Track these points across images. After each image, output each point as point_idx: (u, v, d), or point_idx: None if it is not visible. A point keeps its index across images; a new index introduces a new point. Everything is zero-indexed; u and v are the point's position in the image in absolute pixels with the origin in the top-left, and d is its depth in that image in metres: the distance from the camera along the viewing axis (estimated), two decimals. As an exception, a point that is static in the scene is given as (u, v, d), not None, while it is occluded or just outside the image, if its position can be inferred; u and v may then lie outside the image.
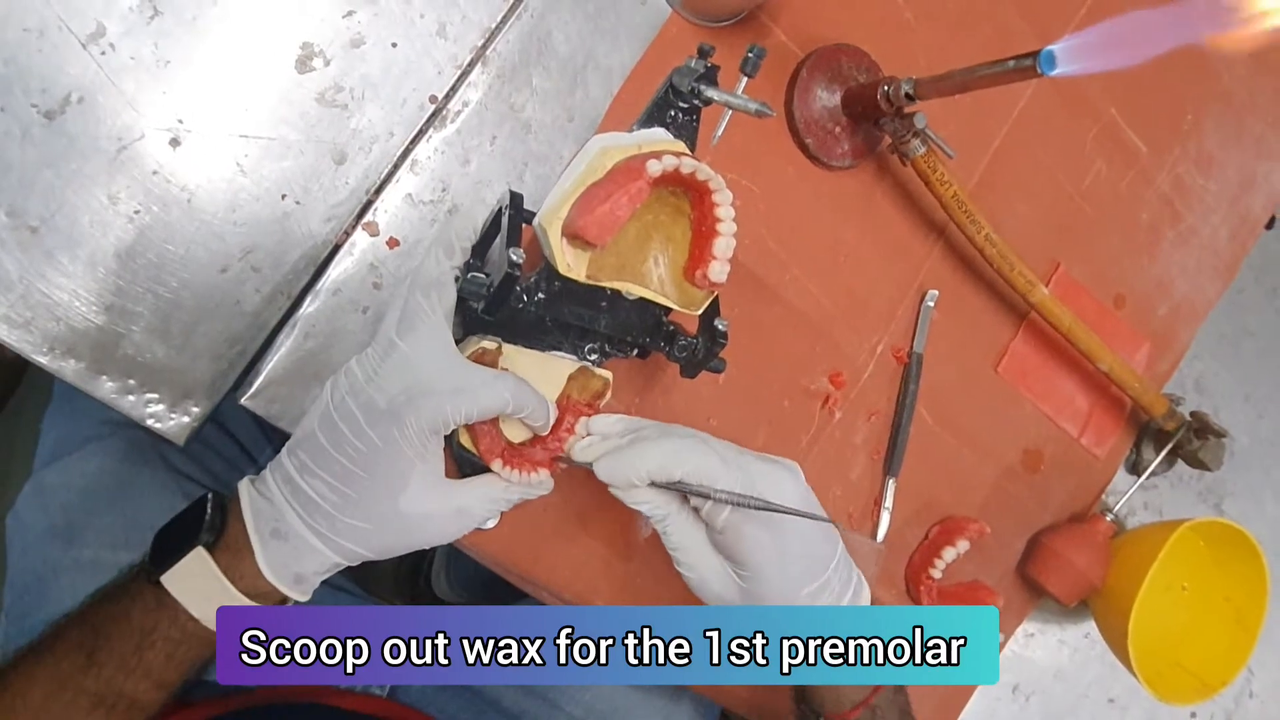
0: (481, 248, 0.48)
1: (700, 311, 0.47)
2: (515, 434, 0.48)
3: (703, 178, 0.43)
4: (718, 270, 0.44)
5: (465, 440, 0.48)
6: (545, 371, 0.48)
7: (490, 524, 0.52)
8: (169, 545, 0.46)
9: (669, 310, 0.47)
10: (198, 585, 0.45)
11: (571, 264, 0.44)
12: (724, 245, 0.44)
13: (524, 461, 0.48)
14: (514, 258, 0.42)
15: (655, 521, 0.48)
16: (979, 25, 0.64)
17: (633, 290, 0.46)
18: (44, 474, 0.65)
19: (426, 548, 0.48)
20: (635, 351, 0.51)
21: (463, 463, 0.49)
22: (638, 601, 0.58)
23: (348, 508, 0.45)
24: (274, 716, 0.65)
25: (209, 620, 0.45)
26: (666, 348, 0.49)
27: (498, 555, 0.54)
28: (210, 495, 0.47)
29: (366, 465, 0.44)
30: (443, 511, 0.46)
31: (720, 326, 0.48)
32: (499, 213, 0.47)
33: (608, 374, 0.50)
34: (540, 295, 0.45)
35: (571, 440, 0.49)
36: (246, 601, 0.45)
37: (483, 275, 0.43)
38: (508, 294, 0.43)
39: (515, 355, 0.47)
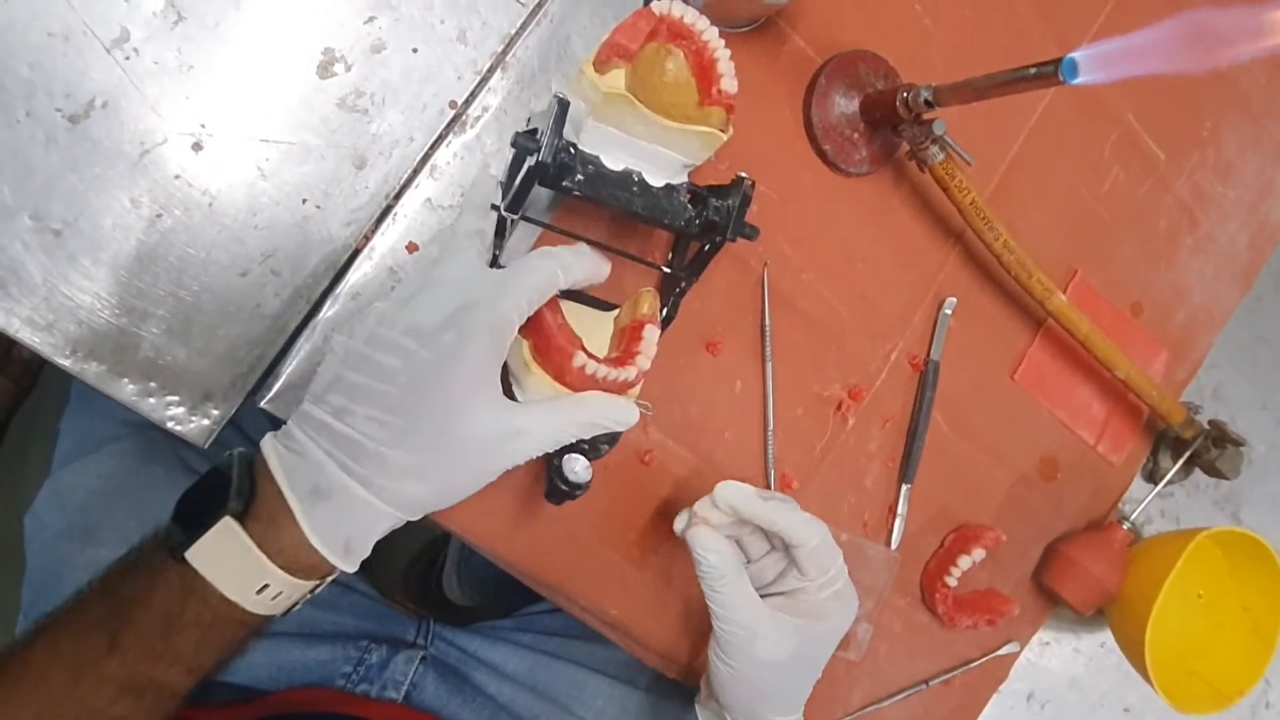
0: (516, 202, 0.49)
1: (725, 134, 0.48)
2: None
3: (690, 21, 0.46)
4: (728, 82, 0.47)
5: (536, 370, 0.46)
6: (595, 322, 0.50)
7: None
8: (192, 515, 0.41)
9: (687, 189, 0.50)
10: (229, 562, 0.40)
11: (612, 84, 0.45)
12: (725, 63, 0.46)
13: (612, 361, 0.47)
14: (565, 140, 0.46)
15: (719, 577, 0.49)
16: (997, 31, 0.64)
17: (665, 121, 0.46)
18: (62, 474, 0.65)
19: (486, 482, 0.43)
20: (671, 255, 0.54)
21: None
22: (650, 609, 0.58)
23: (400, 441, 0.40)
24: (291, 724, 0.65)
25: (246, 601, 0.41)
26: (699, 221, 0.50)
27: (515, 559, 0.54)
28: (235, 454, 0.43)
29: (419, 387, 0.40)
30: (502, 432, 0.42)
31: (747, 180, 0.49)
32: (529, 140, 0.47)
33: (648, 287, 0.51)
34: (580, 177, 0.46)
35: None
36: (286, 578, 0.41)
37: (532, 133, 0.45)
38: (559, 128, 0.44)
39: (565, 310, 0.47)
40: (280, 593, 0.42)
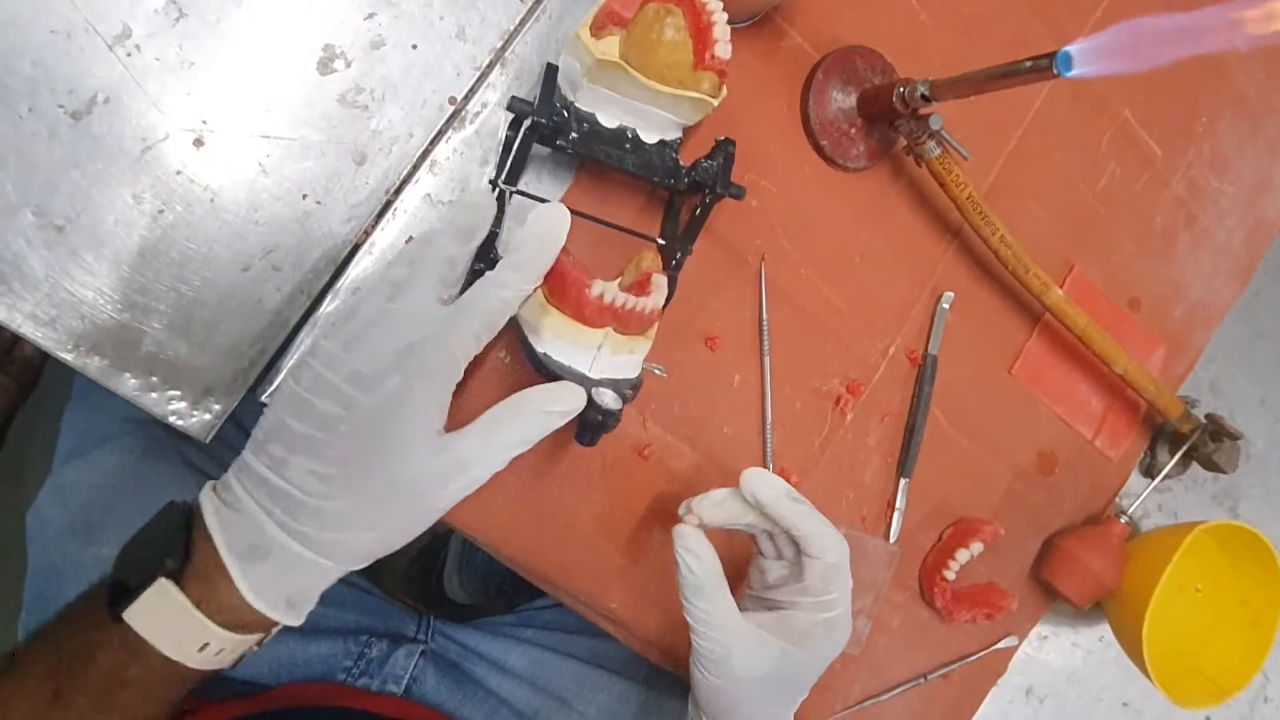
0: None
1: (715, 99, 0.48)
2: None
3: None
4: (722, 47, 0.47)
5: (553, 310, 0.45)
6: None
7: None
8: (134, 569, 0.39)
9: (680, 145, 0.52)
10: (168, 623, 0.39)
11: (606, 50, 0.46)
12: (721, 27, 0.47)
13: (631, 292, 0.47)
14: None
15: (697, 586, 0.47)
16: (994, 26, 0.65)
17: (656, 85, 0.47)
18: (64, 471, 0.66)
19: (429, 524, 0.42)
20: (663, 227, 0.54)
21: (541, 366, 0.46)
22: (650, 603, 0.58)
23: (339, 493, 0.39)
24: (293, 718, 0.66)
25: (188, 659, 0.39)
26: (687, 179, 0.51)
27: (515, 554, 0.54)
28: (173, 505, 0.42)
29: (359, 435, 0.39)
30: (443, 470, 0.40)
31: (729, 150, 0.51)
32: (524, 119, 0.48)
33: (647, 248, 0.51)
34: (574, 135, 0.48)
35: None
36: (228, 635, 0.40)
37: (526, 99, 0.47)
38: (550, 90, 0.47)
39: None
40: (223, 649, 0.40)
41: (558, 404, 0.42)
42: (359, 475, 0.39)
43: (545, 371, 0.46)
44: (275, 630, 0.42)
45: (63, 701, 0.39)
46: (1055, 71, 0.44)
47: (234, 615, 0.40)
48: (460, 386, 0.49)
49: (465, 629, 0.78)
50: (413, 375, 0.39)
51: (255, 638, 0.42)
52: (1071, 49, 0.43)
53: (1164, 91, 0.73)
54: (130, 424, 0.66)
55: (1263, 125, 0.78)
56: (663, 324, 0.52)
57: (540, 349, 0.46)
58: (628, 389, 0.47)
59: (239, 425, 0.71)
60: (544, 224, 0.43)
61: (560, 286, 0.45)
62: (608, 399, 0.44)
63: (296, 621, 0.41)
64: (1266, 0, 0.37)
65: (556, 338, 0.45)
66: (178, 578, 0.39)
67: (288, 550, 0.39)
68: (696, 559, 0.47)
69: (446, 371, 0.41)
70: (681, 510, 0.50)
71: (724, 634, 0.47)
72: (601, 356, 0.47)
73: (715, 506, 0.50)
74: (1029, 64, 0.46)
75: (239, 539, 0.39)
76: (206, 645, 0.40)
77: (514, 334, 0.49)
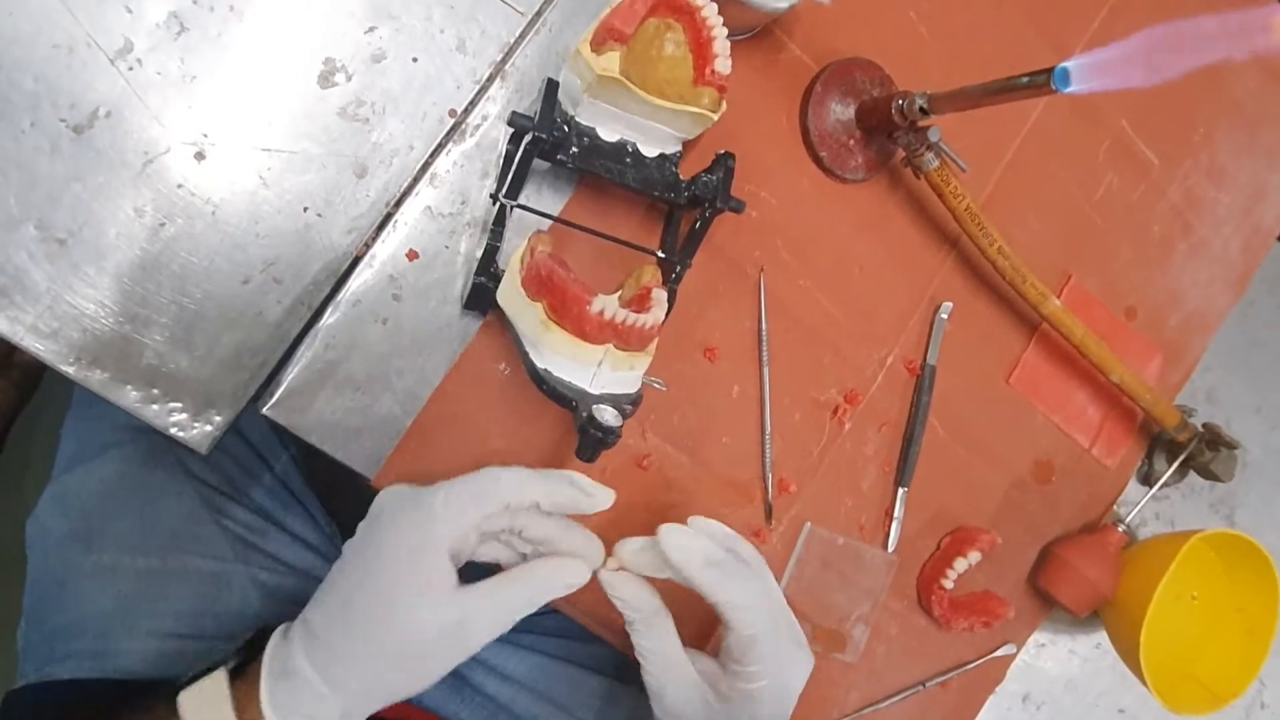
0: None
1: (715, 114, 0.49)
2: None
3: None
4: (722, 63, 0.47)
5: (554, 328, 0.46)
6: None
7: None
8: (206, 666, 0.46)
9: (680, 158, 0.52)
10: (208, 709, 0.44)
11: (606, 66, 0.46)
12: (721, 43, 0.47)
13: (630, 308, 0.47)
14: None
15: (633, 622, 0.48)
16: (992, 38, 0.65)
17: (656, 101, 0.47)
18: (64, 479, 0.66)
19: (432, 676, 0.45)
20: (663, 240, 0.54)
21: (541, 382, 0.47)
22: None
23: (345, 633, 0.43)
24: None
25: None
26: (687, 193, 0.51)
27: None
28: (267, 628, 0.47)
29: (363, 583, 0.43)
30: (441, 627, 0.43)
31: (729, 164, 0.51)
32: (526, 136, 0.49)
33: (648, 263, 0.52)
34: (574, 149, 0.48)
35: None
36: None
37: (527, 114, 0.47)
38: (550, 106, 0.47)
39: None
40: None
41: (565, 577, 0.46)
42: (364, 623, 0.43)
43: (545, 386, 0.46)
44: None
45: None
46: (1053, 87, 0.44)
47: None
48: (461, 398, 0.49)
49: (464, 636, 0.79)
50: (404, 544, 0.43)
51: None
52: (1069, 65, 0.44)
53: (1161, 102, 0.73)
54: (130, 432, 0.67)
55: (1259, 135, 0.78)
56: (662, 336, 0.52)
57: (541, 365, 0.46)
58: (627, 404, 0.47)
59: (237, 433, 0.72)
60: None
61: (561, 303, 0.45)
62: (608, 416, 0.44)
63: None
64: (1252, 19, 0.37)
65: (557, 354, 0.46)
66: (235, 675, 0.45)
67: (304, 677, 0.43)
68: (623, 602, 0.48)
69: (438, 545, 0.43)
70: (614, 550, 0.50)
71: (660, 669, 0.48)
72: (602, 373, 0.47)
73: (634, 554, 0.49)
74: (1026, 79, 0.46)
75: (279, 660, 0.44)
76: None
77: (514, 348, 0.49)
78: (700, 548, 0.47)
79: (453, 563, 0.44)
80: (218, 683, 0.44)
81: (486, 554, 0.48)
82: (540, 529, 0.46)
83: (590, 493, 0.46)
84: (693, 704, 0.49)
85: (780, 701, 0.50)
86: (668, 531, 0.47)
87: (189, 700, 0.44)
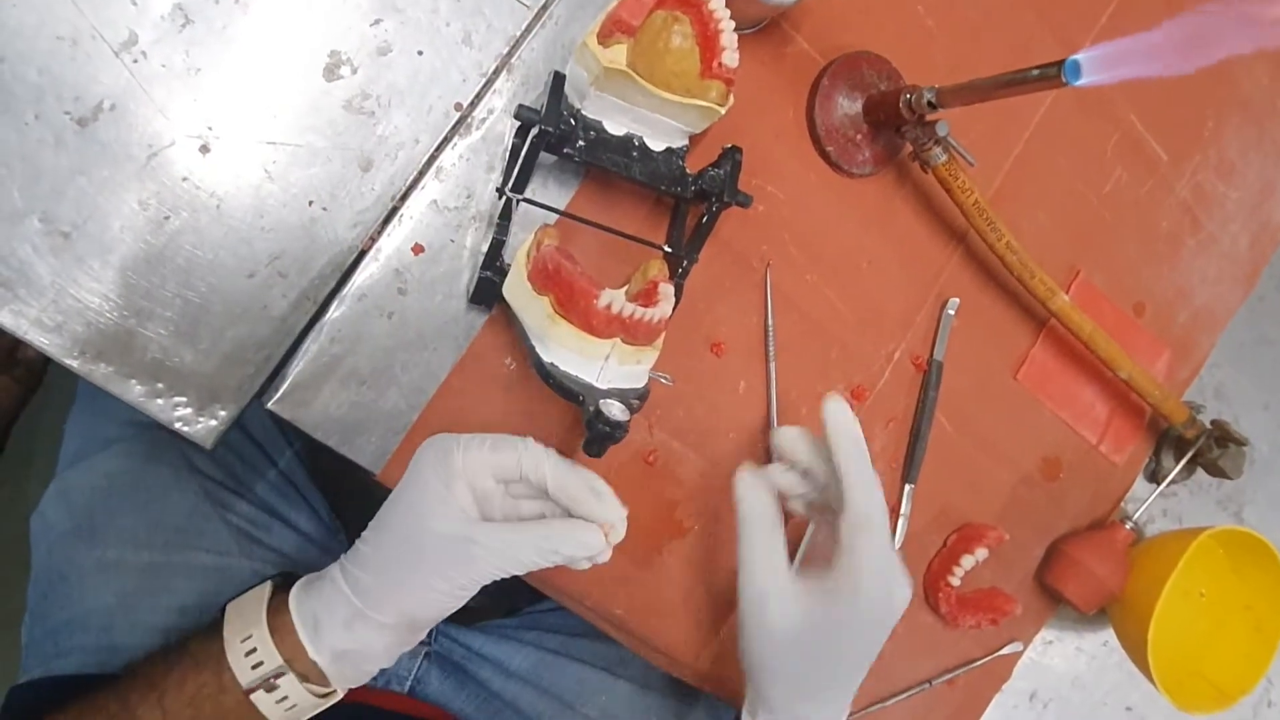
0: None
1: (723, 108, 0.48)
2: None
3: None
4: (730, 55, 0.47)
5: (561, 321, 0.46)
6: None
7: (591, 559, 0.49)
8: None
9: (686, 152, 0.52)
10: (245, 611, 0.48)
11: (613, 59, 0.46)
12: (728, 35, 0.47)
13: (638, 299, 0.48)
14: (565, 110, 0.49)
15: (748, 528, 0.50)
16: (1000, 32, 0.64)
17: (664, 94, 0.47)
18: (68, 475, 0.66)
19: (441, 587, 0.46)
20: (669, 234, 0.55)
21: (548, 376, 0.47)
22: (655, 608, 0.58)
23: (368, 539, 0.47)
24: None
25: (236, 660, 0.46)
26: (694, 187, 0.51)
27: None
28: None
29: (395, 500, 0.47)
30: (454, 536, 0.45)
31: (736, 158, 0.51)
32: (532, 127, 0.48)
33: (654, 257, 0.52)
34: (581, 143, 0.48)
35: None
36: (266, 637, 0.46)
37: (533, 107, 0.47)
38: (558, 99, 0.47)
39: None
40: (261, 661, 0.46)
41: (581, 538, 0.47)
42: (387, 526, 0.47)
43: (551, 381, 0.46)
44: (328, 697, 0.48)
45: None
46: (1064, 80, 0.44)
47: (280, 623, 0.47)
48: (467, 393, 0.49)
49: (469, 631, 0.78)
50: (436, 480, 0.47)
51: (278, 663, 0.46)
52: (1080, 57, 0.43)
53: (1170, 96, 0.72)
54: (134, 427, 0.66)
55: (1268, 130, 0.78)
56: (669, 330, 0.52)
57: (547, 359, 0.46)
58: (634, 399, 0.47)
59: (240, 427, 0.72)
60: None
61: (568, 297, 0.45)
62: (615, 410, 0.44)
63: (319, 657, 0.46)
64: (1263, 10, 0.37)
65: (563, 348, 0.45)
66: (280, 589, 0.49)
67: (329, 576, 0.47)
68: (745, 500, 0.50)
69: (455, 469, 0.46)
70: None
71: (763, 576, 0.49)
72: (609, 367, 0.46)
73: (790, 440, 0.53)
74: (1037, 72, 0.46)
75: (315, 571, 0.49)
76: (249, 642, 0.46)
77: (520, 342, 0.48)
78: (854, 422, 0.50)
79: (474, 498, 0.47)
80: (261, 588, 0.49)
81: (530, 510, 0.50)
82: (570, 493, 0.47)
83: (600, 495, 0.48)
84: (792, 616, 0.48)
85: (883, 608, 0.49)
86: (832, 401, 0.50)
87: (234, 606, 0.49)
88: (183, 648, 0.49)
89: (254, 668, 0.46)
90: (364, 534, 0.48)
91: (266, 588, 0.49)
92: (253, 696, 0.46)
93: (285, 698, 0.46)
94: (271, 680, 0.46)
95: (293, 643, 0.46)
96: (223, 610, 0.49)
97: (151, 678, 0.48)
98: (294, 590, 0.48)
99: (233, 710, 0.46)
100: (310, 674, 0.47)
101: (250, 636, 0.46)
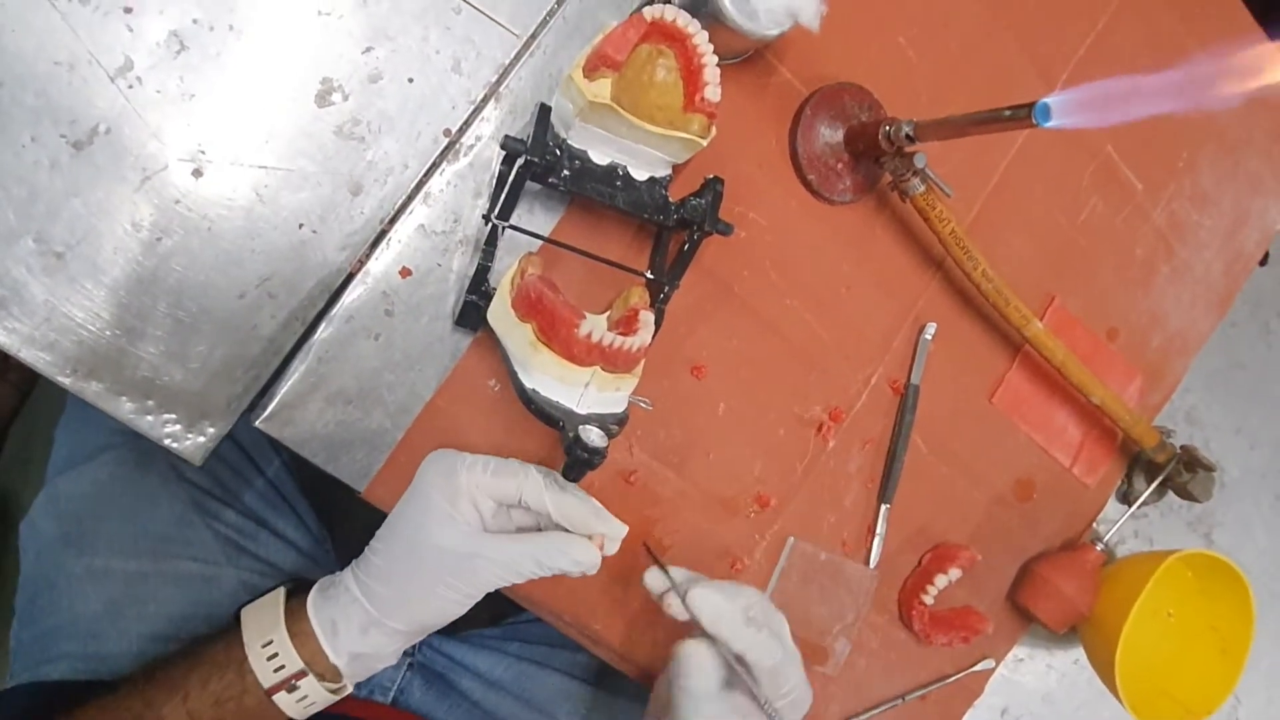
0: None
1: (705, 140, 0.50)
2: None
3: (682, 24, 0.48)
4: (712, 90, 0.49)
5: (543, 349, 0.47)
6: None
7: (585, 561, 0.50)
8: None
9: (669, 181, 0.53)
10: (262, 616, 0.51)
11: (598, 92, 0.47)
12: (711, 70, 0.48)
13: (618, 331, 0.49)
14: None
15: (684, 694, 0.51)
16: (980, 64, 0.66)
17: (647, 126, 0.48)
18: (57, 482, 0.66)
19: (445, 596, 0.49)
20: (651, 262, 0.56)
21: (529, 401, 0.48)
22: (633, 625, 0.59)
23: (379, 550, 0.50)
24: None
25: (255, 659, 0.49)
26: (676, 216, 0.53)
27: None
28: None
29: (402, 512, 0.50)
30: (457, 550, 0.48)
31: (717, 188, 0.53)
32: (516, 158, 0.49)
33: (636, 284, 0.53)
34: (566, 172, 0.49)
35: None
36: (286, 640, 0.50)
37: (519, 138, 0.48)
38: (543, 130, 0.49)
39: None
40: (282, 665, 0.50)
41: (577, 553, 0.49)
42: (395, 538, 0.50)
43: (533, 406, 0.47)
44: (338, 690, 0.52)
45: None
46: (1034, 121, 0.45)
47: (298, 627, 0.50)
48: (452, 413, 0.50)
49: (451, 641, 0.79)
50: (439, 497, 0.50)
51: (299, 664, 0.50)
52: (1050, 100, 0.45)
53: (1146, 128, 0.74)
54: (123, 436, 0.67)
55: (1241, 161, 0.79)
56: (650, 353, 0.53)
57: (529, 385, 0.47)
58: (614, 424, 0.48)
59: (233, 439, 0.72)
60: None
61: (550, 325, 0.46)
62: (594, 436, 0.45)
63: (336, 657, 0.50)
64: (1230, 65, 0.38)
65: (545, 375, 0.47)
66: (294, 595, 0.52)
67: (341, 583, 0.51)
68: (696, 677, 0.52)
69: (459, 488, 0.49)
70: (653, 586, 0.53)
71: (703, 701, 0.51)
72: (588, 393, 0.48)
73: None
74: (1009, 112, 0.47)
75: (329, 581, 0.52)
76: (270, 647, 0.50)
77: (505, 365, 0.50)
78: (729, 609, 0.51)
79: (477, 512, 0.50)
80: (275, 594, 0.52)
81: (525, 520, 0.53)
82: (574, 522, 0.50)
83: (603, 519, 0.51)
84: None
85: (808, 698, 0.54)
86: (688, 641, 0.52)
87: (249, 612, 0.52)
88: (200, 652, 0.52)
89: (275, 670, 0.49)
90: (373, 544, 0.51)
91: (281, 594, 0.52)
92: (275, 697, 0.49)
93: (305, 696, 0.50)
94: (293, 681, 0.49)
95: (312, 646, 0.50)
96: (237, 616, 0.52)
97: (173, 680, 0.51)
98: (311, 597, 0.51)
99: (254, 709, 0.50)
100: (327, 674, 0.50)
101: (271, 641, 0.50)
